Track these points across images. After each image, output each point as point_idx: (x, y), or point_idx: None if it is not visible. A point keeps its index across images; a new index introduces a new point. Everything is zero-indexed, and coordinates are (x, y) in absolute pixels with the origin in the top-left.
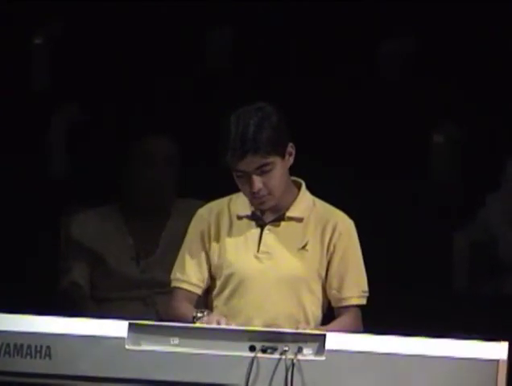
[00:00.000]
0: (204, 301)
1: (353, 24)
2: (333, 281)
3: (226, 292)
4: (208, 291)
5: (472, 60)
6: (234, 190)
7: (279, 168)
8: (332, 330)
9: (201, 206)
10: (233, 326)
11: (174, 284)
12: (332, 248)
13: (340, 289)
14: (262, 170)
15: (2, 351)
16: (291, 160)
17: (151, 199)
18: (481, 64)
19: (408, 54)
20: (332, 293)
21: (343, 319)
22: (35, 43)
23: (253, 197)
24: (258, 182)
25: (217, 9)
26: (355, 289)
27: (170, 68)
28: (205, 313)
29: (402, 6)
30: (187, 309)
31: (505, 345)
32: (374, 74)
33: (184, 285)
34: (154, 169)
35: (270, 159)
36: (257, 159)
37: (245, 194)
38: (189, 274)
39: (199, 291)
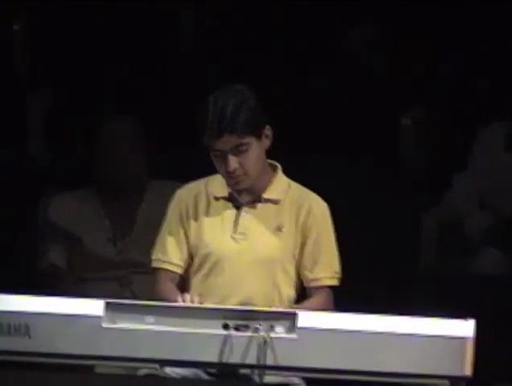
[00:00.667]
0: (183, 279)
1: (327, 10)
2: (307, 262)
3: (203, 271)
4: (187, 270)
5: (438, 45)
6: (211, 171)
7: (255, 149)
8: (303, 310)
9: (176, 187)
10: (206, 305)
11: (155, 264)
12: (306, 229)
13: (312, 269)
14: (238, 150)
15: None
16: (267, 142)
17: (119, 180)
18: (447, 49)
19: (379, 40)
20: (305, 273)
21: (315, 299)
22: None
23: (229, 177)
24: (233, 161)
25: None
26: (327, 270)
27: (138, 50)
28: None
29: None
30: (172, 292)
31: (471, 323)
32: (347, 60)
33: (166, 266)
34: (118, 151)
35: (246, 140)
36: (233, 139)
37: (221, 174)
38: (170, 255)
39: (180, 271)
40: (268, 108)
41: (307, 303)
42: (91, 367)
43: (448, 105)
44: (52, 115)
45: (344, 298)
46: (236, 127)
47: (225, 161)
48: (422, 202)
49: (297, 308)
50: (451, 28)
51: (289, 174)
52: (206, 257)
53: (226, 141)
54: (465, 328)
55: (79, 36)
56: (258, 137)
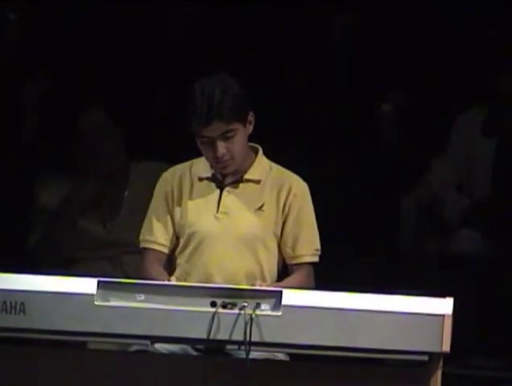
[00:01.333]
0: (169, 259)
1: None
2: (288, 240)
3: (188, 250)
4: (173, 250)
5: (418, 34)
6: (194, 154)
7: (241, 135)
8: (286, 286)
9: (159, 168)
10: (195, 283)
11: (143, 245)
12: (287, 208)
13: (294, 247)
14: (226, 136)
15: None
16: (250, 128)
17: (100, 167)
18: (426, 38)
19: (358, 27)
20: (287, 250)
21: (297, 276)
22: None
23: (216, 162)
24: (221, 147)
25: None
26: (308, 247)
27: (115, 40)
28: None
29: None
30: (157, 273)
31: (450, 301)
32: (326, 47)
33: (153, 246)
34: (91, 139)
35: (234, 126)
36: (221, 125)
37: (208, 159)
38: (157, 235)
39: (166, 250)
40: (250, 95)
41: (289, 280)
42: (84, 343)
43: (428, 93)
44: (43, 103)
45: (326, 277)
46: (224, 114)
47: (213, 147)
48: (401, 184)
49: (280, 286)
50: (429, 18)
51: (270, 156)
52: (191, 236)
53: (214, 128)
54: (444, 306)
55: (71, 29)
56: (244, 123)
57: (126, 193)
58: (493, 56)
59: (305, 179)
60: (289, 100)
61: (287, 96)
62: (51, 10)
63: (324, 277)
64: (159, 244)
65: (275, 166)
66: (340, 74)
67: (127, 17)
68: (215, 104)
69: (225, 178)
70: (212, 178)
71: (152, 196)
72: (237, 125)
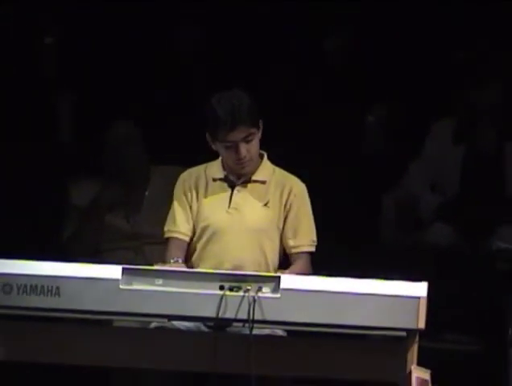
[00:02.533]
0: (188, 246)
1: (299, 15)
2: (289, 232)
3: (203, 240)
4: (192, 239)
5: (398, 52)
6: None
7: (257, 138)
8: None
9: (176, 170)
10: (205, 270)
11: (168, 235)
12: (288, 206)
13: (294, 238)
14: (247, 140)
15: (21, 291)
16: (260, 133)
17: (125, 172)
18: (406, 56)
19: (347, 49)
20: (288, 241)
21: (298, 263)
22: (45, 43)
23: (238, 163)
24: (243, 149)
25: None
26: (306, 238)
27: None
28: (179, 260)
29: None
30: (178, 256)
31: (424, 285)
32: (317, 63)
33: (176, 235)
34: (122, 148)
35: (253, 130)
36: (244, 130)
37: (230, 161)
38: (179, 226)
39: (187, 239)
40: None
41: (292, 268)
42: (110, 321)
43: (406, 104)
44: (77, 117)
45: (320, 264)
46: (245, 120)
47: (236, 149)
48: (382, 185)
49: (284, 273)
50: (410, 42)
51: (272, 161)
52: (205, 228)
53: (238, 133)
54: (419, 289)
55: (96, 49)
56: (258, 128)
57: (147, 193)
58: (463, 75)
59: (303, 181)
60: (285, 113)
61: (284, 108)
62: (84, 34)
63: (318, 264)
64: (182, 233)
65: (278, 169)
66: (330, 90)
67: (151, 44)
68: (236, 112)
69: (237, 178)
70: (225, 179)
71: (171, 194)
72: (254, 130)
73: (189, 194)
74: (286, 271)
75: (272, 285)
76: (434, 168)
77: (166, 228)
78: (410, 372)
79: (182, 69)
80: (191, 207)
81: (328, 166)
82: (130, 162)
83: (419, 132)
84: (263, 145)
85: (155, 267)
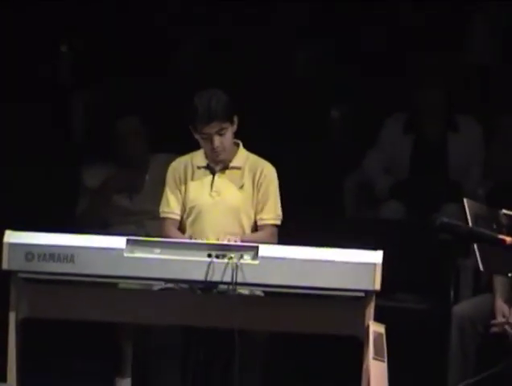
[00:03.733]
0: (179, 224)
1: (274, 29)
2: (258, 207)
3: (191, 218)
4: (182, 217)
5: (360, 58)
6: (192, 148)
7: (230, 131)
8: (250, 240)
9: (171, 158)
10: (196, 241)
11: (163, 215)
12: (258, 185)
13: (261, 212)
14: (220, 133)
15: (41, 258)
16: (235, 127)
17: (130, 158)
18: (366, 61)
19: (319, 55)
20: (256, 215)
21: (261, 232)
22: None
23: (213, 152)
24: (217, 140)
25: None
26: (272, 213)
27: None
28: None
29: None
30: (175, 233)
31: (380, 253)
32: (291, 72)
33: (170, 215)
34: (130, 138)
35: (225, 125)
36: (217, 124)
37: (207, 150)
38: (172, 207)
39: (179, 217)
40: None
41: (254, 234)
42: (116, 284)
43: (365, 104)
44: (88, 112)
45: (292, 235)
46: (219, 116)
47: (211, 140)
48: (344, 168)
49: (248, 238)
50: (370, 54)
51: (247, 148)
52: (192, 208)
53: (213, 127)
54: (376, 257)
55: (107, 55)
56: (231, 123)
57: (147, 177)
58: (411, 78)
59: (273, 164)
60: (262, 109)
61: (261, 105)
62: (97, 45)
63: (290, 235)
64: (174, 213)
65: (252, 156)
66: (304, 90)
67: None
68: (212, 109)
69: (217, 166)
70: (207, 167)
71: (165, 179)
72: (227, 124)
73: (178, 180)
74: (249, 236)
75: (252, 253)
76: (387, 155)
77: (161, 210)
78: (368, 326)
79: (180, 73)
80: (180, 191)
81: (303, 154)
82: (135, 150)
83: (375, 124)
84: (245, 135)
85: (155, 239)
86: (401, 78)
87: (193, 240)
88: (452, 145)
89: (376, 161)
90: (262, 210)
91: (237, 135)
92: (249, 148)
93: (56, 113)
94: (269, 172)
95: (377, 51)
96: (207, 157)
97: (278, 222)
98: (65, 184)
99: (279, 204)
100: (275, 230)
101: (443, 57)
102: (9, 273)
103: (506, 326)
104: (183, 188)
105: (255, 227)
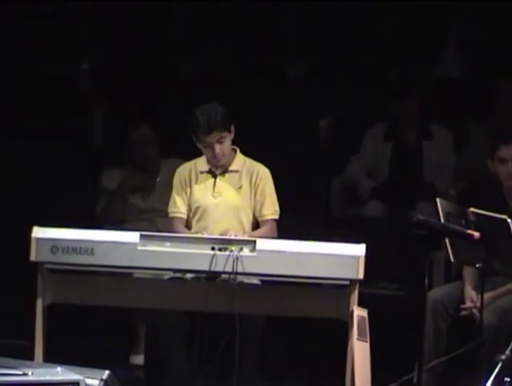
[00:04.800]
0: (186, 222)
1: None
2: (257, 206)
3: (196, 217)
4: (188, 216)
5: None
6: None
7: (228, 139)
8: (255, 235)
9: (179, 163)
10: (201, 235)
11: (171, 215)
12: (256, 187)
13: (260, 210)
14: (220, 141)
15: (64, 251)
16: (232, 135)
17: (144, 162)
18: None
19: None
20: (256, 213)
21: (263, 228)
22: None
23: (214, 158)
24: (218, 148)
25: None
26: (270, 209)
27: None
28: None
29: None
30: (183, 231)
31: (363, 246)
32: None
33: (178, 214)
34: (144, 145)
35: (224, 134)
36: (217, 134)
37: (208, 157)
38: (179, 207)
39: (185, 217)
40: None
41: (258, 230)
42: (131, 274)
43: (350, 114)
44: (107, 122)
45: (286, 231)
46: (218, 126)
47: (212, 148)
48: (332, 172)
49: (253, 234)
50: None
51: (244, 153)
52: (197, 208)
53: (213, 136)
54: (359, 250)
55: (124, 71)
56: (229, 132)
57: (158, 179)
58: (391, 91)
59: (267, 167)
60: (255, 119)
61: (254, 115)
62: (114, 61)
63: (283, 231)
64: (181, 212)
65: (248, 160)
66: (294, 99)
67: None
68: (212, 120)
69: (217, 170)
70: (209, 171)
71: (173, 182)
72: (226, 133)
73: (184, 183)
74: (254, 232)
75: (250, 246)
76: (369, 160)
77: (169, 210)
78: (352, 311)
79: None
80: (186, 193)
81: (294, 158)
82: (149, 156)
83: (358, 133)
84: (241, 141)
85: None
86: (382, 91)
87: (199, 235)
88: (426, 151)
89: (359, 165)
90: (261, 208)
91: (234, 142)
92: (249, 154)
93: (79, 123)
94: (264, 174)
95: (362, 65)
96: (208, 162)
97: (277, 216)
98: (87, 186)
99: (276, 201)
100: (275, 224)
101: (418, 70)
102: (36, 265)
103: (474, 310)
104: (188, 190)
105: (256, 224)
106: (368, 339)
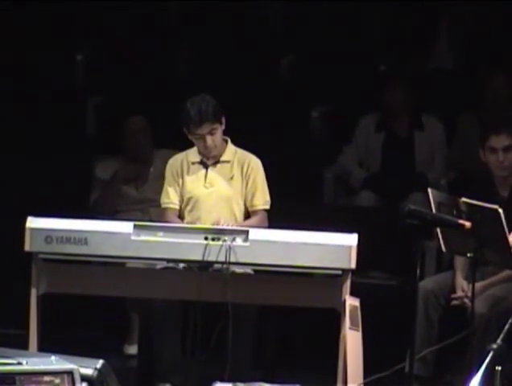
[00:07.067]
0: (179, 212)
1: (261, 38)
2: (248, 196)
3: (188, 207)
4: (181, 207)
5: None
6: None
7: (219, 131)
8: (247, 225)
9: (172, 154)
10: (194, 225)
11: (164, 205)
12: (247, 177)
13: (251, 200)
14: (211, 133)
15: (58, 241)
16: (223, 126)
17: (138, 153)
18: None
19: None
20: (248, 203)
21: (254, 218)
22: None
23: (205, 150)
24: (209, 140)
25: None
26: (261, 199)
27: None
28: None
29: None
30: (176, 222)
31: (355, 236)
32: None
33: (170, 205)
34: (137, 136)
35: (215, 125)
36: (208, 125)
37: (200, 148)
38: (172, 198)
39: (178, 207)
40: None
41: (249, 220)
42: (124, 264)
43: (342, 105)
44: (100, 113)
45: (277, 221)
46: (209, 118)
47: (203, 140)
48: (324, 162)
49: (244, 224)
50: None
51: (235, 143)
52: (189, 199)
53: (204, 128)
54: (351, 239)
55: (116, 64)
56: (220, 123)
57: (151, 169)
58: (382, 84)
59: (259, 157)
60: (248, 111)
61: (247, 108)
62: (108, 53)
63: (276, 220)
64: (174, 203)
65: (239, 150)
66: (285, 94)
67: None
68: (203, 112)
69: (208, 161)
70: (201, 162)
71: (165, 173)
72: (217, 125)
73: (176, 174)
74: (245, 222)
75: (243, 236)
76: (361, 150)
77: (162, 201)
78: (344, 300)
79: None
80: (178, 184)
81: (288, 149)
82: (142, 146)
83: (350, 123)
84: (235, 133)
85: (158, 224)
86: (374, 82)
87: (191, 225)
88: (417, 142)
89: (351, 156)
90: (252, 198)
91: (226, 132)
92: (248, 144)
93: (73, 114)
94: (255, 164)
95: (354, 57)
96: (200, 153)
97: (267, 206)
98: (80, 176)
99: (267, 191)
100: (265, 214)
101: (410, 61)
102: (30, 254)
103: (465, 300)
104: (180, 181)
105: (247, 214)
106: (360, 328)
